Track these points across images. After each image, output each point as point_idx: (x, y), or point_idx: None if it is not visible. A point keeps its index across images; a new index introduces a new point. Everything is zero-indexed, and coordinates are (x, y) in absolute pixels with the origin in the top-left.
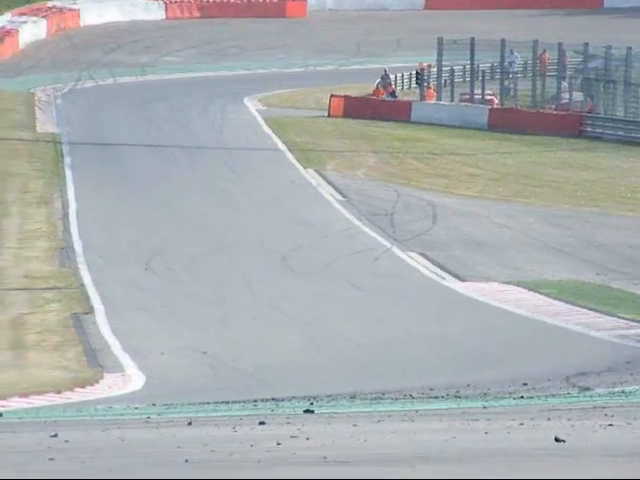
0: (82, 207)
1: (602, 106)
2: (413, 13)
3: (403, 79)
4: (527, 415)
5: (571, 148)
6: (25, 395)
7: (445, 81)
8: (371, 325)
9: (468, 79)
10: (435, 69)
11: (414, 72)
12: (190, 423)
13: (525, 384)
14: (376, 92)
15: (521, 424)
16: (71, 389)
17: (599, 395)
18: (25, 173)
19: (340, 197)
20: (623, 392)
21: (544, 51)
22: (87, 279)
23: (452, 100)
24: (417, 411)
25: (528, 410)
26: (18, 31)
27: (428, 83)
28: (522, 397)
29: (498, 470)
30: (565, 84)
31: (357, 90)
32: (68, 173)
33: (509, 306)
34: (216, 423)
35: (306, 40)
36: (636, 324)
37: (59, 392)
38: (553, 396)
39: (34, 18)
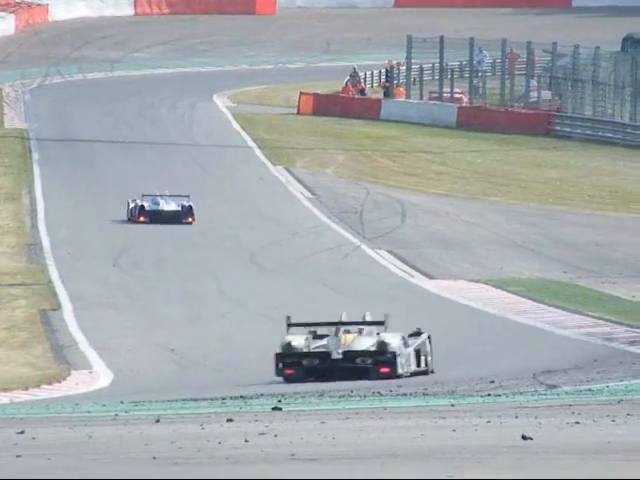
0: (50, 203)
1: (570, 105)
2: (383, 11)
3: (373, 77)
4: (494, 413)
5: (539, 147)
6: None
7: (414, 79)
8: None
9: (437, 77)
10: (404, 67)
11: (384, 70)
12: (158, 420)
13: (492, 382)
14: (345, 90)
15: (488, 422)
16: (38, 386)
17: (566, 393)
18: None
19: (309, 194)
20: (590, 390)
21: (511, 50)
22: (55, 275)
23: (421, 98)
24: (385, 409)
25: (495, 408)
26: None
27: (397, 81)
28: (489, 395)
29: (465, 467)
30: (534, 83)
31: (326, 88)
32: (36, 169)
33: (477, 304)
34: (184, 420)
35: (276, 37)
36: (603, 322)
37: (26, 389)
38: (520, 394)
39: (2, 14)
